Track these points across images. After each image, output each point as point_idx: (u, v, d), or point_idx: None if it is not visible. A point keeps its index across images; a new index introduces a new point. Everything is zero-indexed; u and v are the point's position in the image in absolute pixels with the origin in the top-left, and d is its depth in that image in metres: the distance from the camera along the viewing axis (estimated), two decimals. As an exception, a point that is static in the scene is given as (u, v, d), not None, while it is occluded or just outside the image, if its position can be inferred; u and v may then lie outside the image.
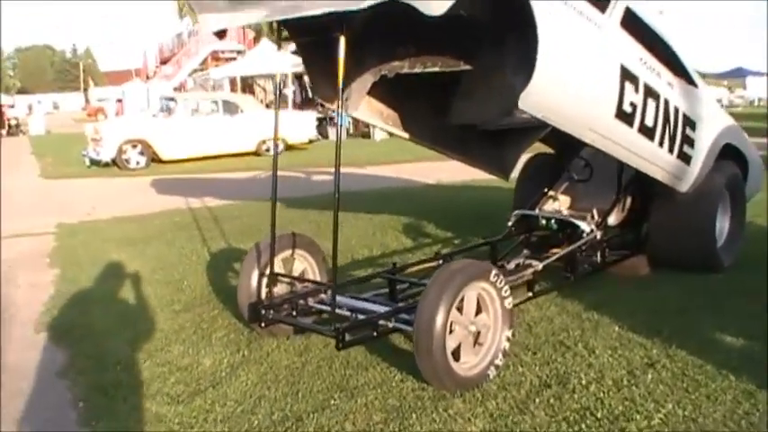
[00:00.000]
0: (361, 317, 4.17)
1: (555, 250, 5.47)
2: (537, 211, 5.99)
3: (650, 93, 4.78)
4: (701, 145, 5.53)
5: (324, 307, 4.47)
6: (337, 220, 4.07)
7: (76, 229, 9.13)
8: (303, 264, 5.00)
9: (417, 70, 4.84)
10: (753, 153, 6.66)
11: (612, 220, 5.97)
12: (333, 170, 4.06)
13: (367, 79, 5.06)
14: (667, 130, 5.06)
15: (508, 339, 4.01)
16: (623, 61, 4.49)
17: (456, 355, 3.82)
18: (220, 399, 3.86)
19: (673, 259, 5.91)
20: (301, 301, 4.56)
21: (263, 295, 4.56)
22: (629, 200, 6.01)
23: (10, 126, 34.45)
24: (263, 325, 4.45)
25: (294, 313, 4.49)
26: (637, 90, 4.63)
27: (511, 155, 5.99)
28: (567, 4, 4.04)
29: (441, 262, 5.32)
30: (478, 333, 3.94)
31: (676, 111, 5.11)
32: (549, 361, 4.16)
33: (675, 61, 5.60)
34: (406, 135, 5.66)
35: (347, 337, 3.95)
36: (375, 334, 4.05)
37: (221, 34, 5.47)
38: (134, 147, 16.11)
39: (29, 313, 5.57)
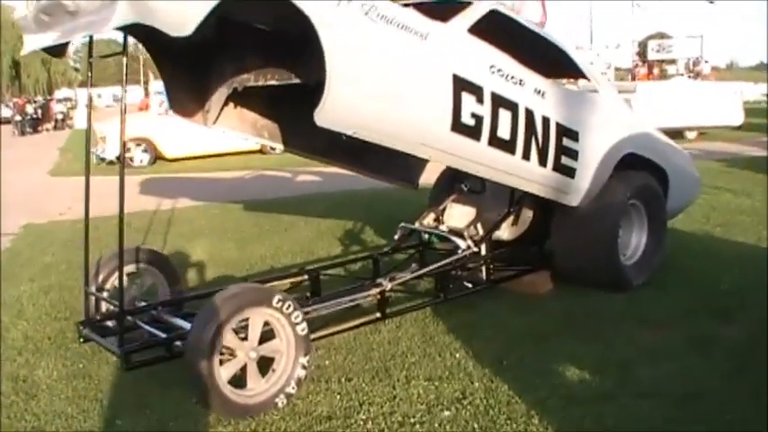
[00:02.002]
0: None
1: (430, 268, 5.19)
2: (417, 224, 5.71)
3: (502, 103, 4.47)
4: (589, 155, 5.17)
5: (147, 327, 4.32)
6: (123, 241, 3.86)
7: (37, 229, 9.24)
8: (152, 278, 4.87)
9: (260, 83, 4.64)
10: (677, 162, 6.23)
11: (506, 234, 5.67)
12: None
13: (222, 92, 4.91)
14: (534, 143, 4.73)
15: (304, 367, 3.80)
16: (458, 71, 4.20)
17: (241, 381, 3.64)
18: (25, 411, 3.83)
19: (576, 276, 5.61)
20: (129, 318, 4.41)
21: (92, 311, 4.45)
22: (526, 213, 5.68)
23: (56, 120, 35.54)
24: (81, 341, 4.34)
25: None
26: (480, 101, 4.33)
27: (416, 162, 5.71)
28: (369, 15, 3.76)
29: (306, 277, 5.14)
30: (272, 359, 3.75)
31: (546, 120, 4.78)
32: (354, 390, 3.94)
33: (565, 66, 5.27)
34: (289, 147, 5.44)
35: (135, 358, 3.82)
36: (169, 355, 3.89)
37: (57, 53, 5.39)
38: (138, 145, 16.31)
39: None
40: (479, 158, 4.51)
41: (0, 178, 13.15)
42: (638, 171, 5.68)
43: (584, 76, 5.64)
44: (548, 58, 5.39)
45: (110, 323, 4.39)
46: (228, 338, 3.58)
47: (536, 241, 5.79)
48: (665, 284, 5.67)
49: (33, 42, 3.97)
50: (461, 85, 4.20)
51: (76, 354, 4.60)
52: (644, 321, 4.91)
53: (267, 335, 3.76)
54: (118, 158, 16.16)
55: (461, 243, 5.26)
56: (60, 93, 52.90)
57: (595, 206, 5.35)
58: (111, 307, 4.48)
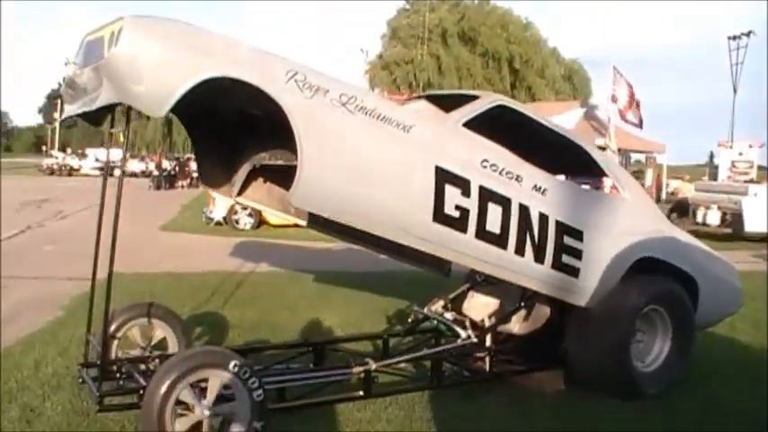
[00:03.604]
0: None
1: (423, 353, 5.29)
2: (426, 310, 5.81)
3: (492, 197, 4.59)
4: (596, 256, 5.14)
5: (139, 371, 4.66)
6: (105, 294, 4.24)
7: (118, 278, 9.92)
8: (163, 332, 5.24)
9: (272, 162, 5.01)
10: (712, 271, 6.03)
11: (517, 328, 5.66)
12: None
13: (245, 168, 5.31)
14: (529, 238, 4.79)
15: (256, 431, 3.99)
16: (443, 163, 4.38)
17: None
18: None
19: (587, 379, 5.50)
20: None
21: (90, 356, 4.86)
22: (541, 309, 5.65)
23: (192, 178, 37.87)
24: (80, 381, 4.74)
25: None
26: (466, 194, 4.47)
27: None
28: (347, 106, 4.05)
29: (310, 349, 5.36)
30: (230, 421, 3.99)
31: (543, 217, 4.83)
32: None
33: (585, 163, 5.33)
34: (312, 225, 5.67)
35: (106, 402, 4.21)
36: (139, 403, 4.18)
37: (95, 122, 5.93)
38: (244, 208, 17.19)
39: None
40: (466, 250, 4.62)
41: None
42: (660, 276, 5.55)
43: (604, 174, 5.63)
44: (565, 155, 5.46)
45: (114, 368, 4.74)
46: (185, 394, 3.84)
47: (551, 339, 5.70)
48: (680, 397, 5.46)
49: (66, 111, 4.51)
50: (445, 177, 4.37)
51: (87, 394, 4.96)
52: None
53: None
54: (225, 220, 17.12)
55: (462, 332, 5.34)
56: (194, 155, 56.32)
57: (607, 309, 5.27)
58: (121, 353, 4.88)
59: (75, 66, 4.18)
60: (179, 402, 3.87)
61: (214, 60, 3.75)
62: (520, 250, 4.78)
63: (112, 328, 4.94)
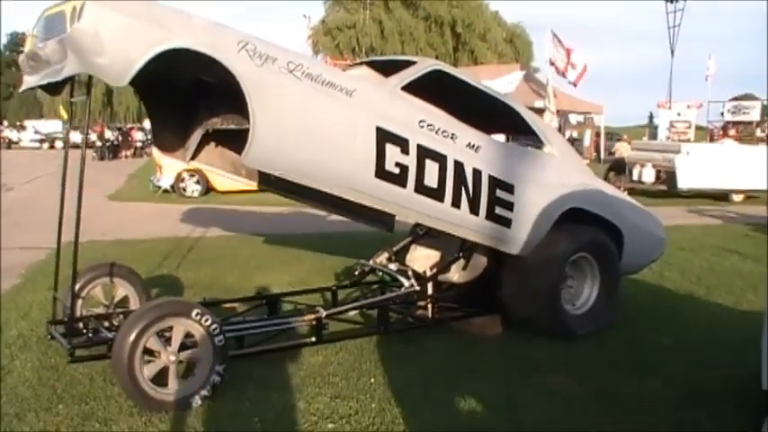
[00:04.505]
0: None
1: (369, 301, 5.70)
2: (371, 262, 6.22)
3: (429, 154, 4.98)
4: (526, 207, 5.58)
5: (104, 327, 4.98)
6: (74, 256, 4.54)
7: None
8: (125, 290, 5.55)
9: (224, 126, 5.31)
10: (637, 221, 6.56)
11: (457, 277, 6.09)
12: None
13: (198, 133, 5.59)
14: (464, 192, 5.21)
15: (219, 374, 4.36)
16: (383, 124, 4.75)
17: (163, 379, 4.26)
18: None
19: (521, 321, 5.98)
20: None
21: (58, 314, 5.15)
22: (479, 259, 6.09)
23: (135, 148, 37.66)
24: (49, 337, 5.01)
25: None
26: (405, 151, 4.86)
27: None
28: (294, 73, 4.39)
29: (264, 302, 5.74)
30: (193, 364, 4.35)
31: (477, 172, 5.25)
32: (263, 398, 4.48)
33: (515, 122, 5.76)
34: (263, 186, 6.01)
35: (77, 353, 4.53)
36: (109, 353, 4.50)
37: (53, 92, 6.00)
38: (191, 176, 17.34)
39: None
40: (406, 203, 5.03)
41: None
42: (588, 226, 6.03)
43: (532, 132, 6.07)
44: (498, 116, 5.89)
45: (80, 325, 5.04)
46: (152, 342, 4.19)
47: (489, 286, 6.14)
48: (608, 336, 5.98)
49: (26, 83, 4.74)
50: (385, 136, 4.75)
51: (55, 351, 5.26)
52: (563, 370, 5.24)
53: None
54: (173, 187, 17.24)
55: (405, 282, 5.76)
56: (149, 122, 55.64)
57: (539, 256, 5.74)
58: (85, 311, 5.18)
59: (35, 39, 4.41)
60: (146, 351, 4.21)
61: (171, 33, 4.04)
62: (456, 203, 5.20)
63: (77, 287, 5.19)
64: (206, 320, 4.31)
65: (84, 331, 4.91)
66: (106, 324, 5.04)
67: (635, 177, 19.90)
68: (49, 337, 5.00)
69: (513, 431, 4.17)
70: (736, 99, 46.87)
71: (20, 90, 5.18)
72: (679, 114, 39.31)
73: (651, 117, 59.21)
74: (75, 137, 47.47)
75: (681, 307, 7.22)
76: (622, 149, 23.93)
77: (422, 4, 55.63)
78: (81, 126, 4.80)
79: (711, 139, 35.11)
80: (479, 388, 4.76)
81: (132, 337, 4.09)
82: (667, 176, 19.05)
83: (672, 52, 42.94)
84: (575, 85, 27.50)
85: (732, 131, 40.29)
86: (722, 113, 43.72)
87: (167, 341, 4.30)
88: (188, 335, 4.35)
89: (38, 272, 8.39)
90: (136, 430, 4.03)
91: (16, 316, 6.36)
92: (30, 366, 5.06)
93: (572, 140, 37.50)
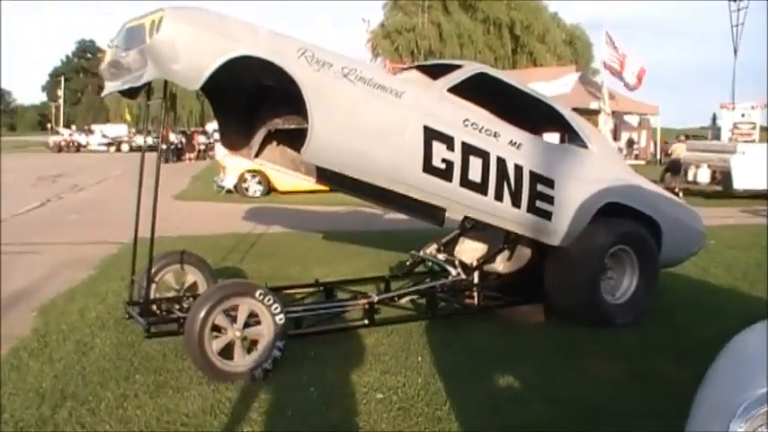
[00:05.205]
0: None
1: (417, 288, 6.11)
2: (421, 253, 6.62)
3: (473, 151, 5.37)
4: (566, 201, 5.90)
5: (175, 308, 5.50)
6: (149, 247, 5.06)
7: (143, 242, 10.76)
8: (194, 277, 6.07)
9: (284, 126, 5.79)
10: (675, 215, 6.81)
11: (502, 267, 6.45)
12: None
13: (261, 132, 6.09)
14: (506, 186, 5.57)
15: (279, 349, 4.82)
16: (430, 123, 5.16)
17: (229, 353, 4.73)
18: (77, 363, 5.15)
19: (563, 310, 6.30)
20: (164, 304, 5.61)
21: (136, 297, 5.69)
22: (523, 251, 6.44)
23: (199, 151, 38.86)
24: (126, 317, 5.56)
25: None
26: (451, 148, 5.26)
27: None
28: (348, 77, 4.83)
29: (321, 289, 6.20)
30: (256, 340, 4.83)
31: (518, 168, 5.61)
32: (321, 371, 4.92)
33: (556, 122, 6.10)
34: (321, 181, 6.46)
35: (152, 330, 5.05)
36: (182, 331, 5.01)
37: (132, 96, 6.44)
38: (253, 176, 18.02)
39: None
40: (452, 196, 5.42)
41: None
42: (626, 220, 6.33)
43: (573, 131, 6.39)
44: (542, 115, 6.24)
45: (154, 306, 5.56)
46: (219, 319, 4.67)
47: (532, 276, 6.47)
48: (649, 326, 6.26)
49: (107, 88, 5.31)
50: (432, 134, 5.16)
51: (130, 330, 5.81)
52: (602, 355, 5.54)
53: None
54: (236, 188, 17.94)
55: (452, 270, 6.15)
56: (212, 125, 57.13)
57: (579, 248, 6.06)
58: (158, 295, 5.71)
59: (117, 49, 4.96)
60: (214, 327, 4.70)
61: (238, 42, 4.53)
62: (499, 196, 5.56)
63: (152, 272, 5.74)
64: (268, 300, 4.77)
65: (158, 312, 5.43)
66: (177, 306, 5.55)
67: (690, 178, 19.82)
68: (127, 316, 5.54)
69: (548, 405, 4.49)
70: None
71: (102, 95, 5.76)
72: (743, 115, 38.51)
73: (714, 118, 58.04)
74: (140, 140, 49.40)
75: (722, 300, 7.41)
76: (678, 150, 23.76)
77: (480, 6, 55.73)
78: (153, 128, 5.32)
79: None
80: (519, 368, 5.10)
81: (202, 314, 4.58)
82: (723, 177, 18.94)
83: (735, 51, 42.22)
84: (635, 88, 27.37)
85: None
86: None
87: (233, 319, 4.77)
88: (252, 314, 4.81)
89: (110, 264, 9.05)
90: (205, 396, 4.50)
91: (94, 302, 6.95)
92: (109, 343, 5.61)
93: (630, 142, 37.39)
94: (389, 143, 5.07)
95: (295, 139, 5.90)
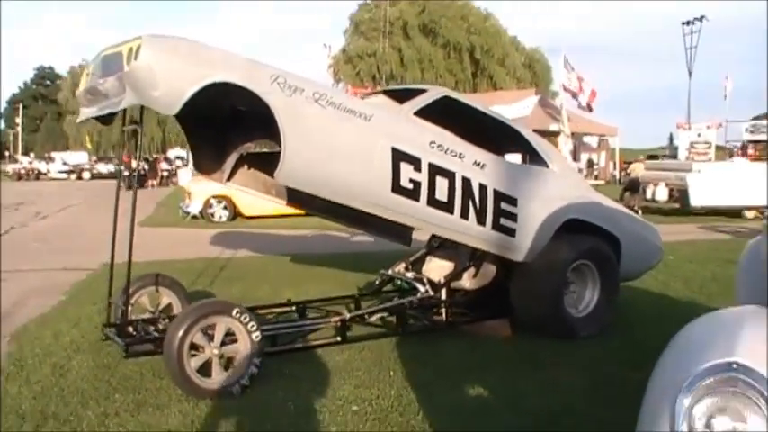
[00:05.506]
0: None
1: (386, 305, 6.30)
2: (390, 271, 6.83)
3: (439, 171, 5.60)
4: (529, 218, 6.15)
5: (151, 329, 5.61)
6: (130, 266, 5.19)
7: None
8: (169, 298, 6.19)
9: (256, 150, 5.97)
10: (634, 230, 7.11)
11: (468, 284, 6.67)
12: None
13: (233, 157, 6.27)
14: (471, 205, 5.80)
15: (256, 366, 4.96)
16: (398, 145, 5.38)
17: (207, 370, 4.87)
18: (54, 385, 5.23)
19: (529, 323, 6.53)
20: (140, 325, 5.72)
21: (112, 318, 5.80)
22: (488, 267, 6.67)
23: (162, 177, 38.81)
24: (103, 338, 5.67)
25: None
26: (418, 169, 5.48)
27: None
28: (319, 102, 5.04)
29: (293, 308, 6.36)
30: (232, 357, 4.96)
31: (483, 187, 5.85)
32: (292, 387, 5.07)
33: (518, 143, 6.38)
34: (292, 204, 6.67)
35: (131, 350, 5.18)
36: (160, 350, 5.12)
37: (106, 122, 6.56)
38: (219, 202, 18.10)
39: None
40: (420, 215, 5.64)
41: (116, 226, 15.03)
42: (588, 236, 6.60)
43: (534, 152, 6.67)
44: (505, 137, 6.51)
45: (130, 328, 5.67)
46: (197, 337, 4.81)
47: (498, 292, 6.70)
48: (609, 337, 6.50)
49: (83, 114, 5.45)
50: (400, 156, 5.38)
51: (106, 353, 5.89)
52: (565, 365, 5.76)
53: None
54: (201, 213, 17.99)
55: (421, 287, 6.36)
56: (173, 152, 57.00)
57: (542, 263, 6.31)
58: (134, 317, 5.82)
59: (93, 76, 5.11)
60: (192, 346, 4.83)
61: (215, 69, 4.72)
62: (464, 215, 5.79)
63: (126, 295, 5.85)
64: (245, 318, 4.92)
65: (135, 333, 5.55)
66: (152, 327, 5.67)
67: (648, 196, 20.37)
68: (104, 337, 5.64)
69: (514, 413, 4.69)
70: (757, 118, 47.09)
71: (77, 120, 5.89)
72: (699, 135, 39.65)
73: (671, 138, 59.45)
74: (102, 168, 49.17)
75: (680, 312, 7.70)
76: (637, 169, 24.41)
77: (440, 32, 56.68)
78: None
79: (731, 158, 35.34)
80: (487, 379, 5.31)
81: (181, 332, 4.71)
82: (680, 195, 19.51)
83: (690, 73, 43.48)
84: (589, 109, 28.10)
85: (751, 150, 40.50)
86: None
87: (210, 337, 4.91)
88: (228, 332, 4.95)
89: (81, 290, 9.09)
90: (186, 412, 4.62)
91: (67, 326, 6.99)
92: (85, 366, 5.67)
93: (590, 162, 38.17)
94: (359, 165, 5.27)
95: (266, 162, 6.09)
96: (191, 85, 4.59)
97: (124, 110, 5.20)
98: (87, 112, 5.40)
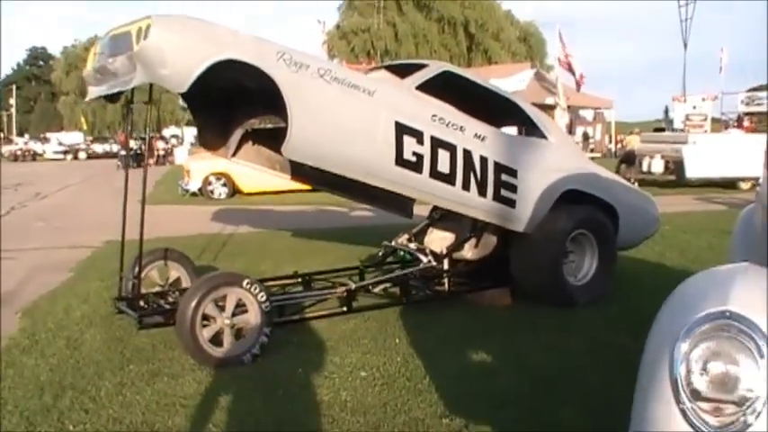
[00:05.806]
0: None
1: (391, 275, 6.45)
2: (393, 243, 6.97)
3: (441, 144, 5.73)
4: (528, 189, 6.28)
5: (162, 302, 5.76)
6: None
7: (115, 244, 10.88)
8: (177, 272, 6.33)
9: (261, 126, 6.09)
10: (630, 200, 7.26)
11: (470, 254, 6.82)
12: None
13: (238, 132, 6.38)
14: (473, 176, 5.94)
15: (266, 335, 5.12)
16: (400, 119, 5.50)
17: (219, 340, 5.02)
18: (69, 357, 5.38)
19: (529, 292, 6.69)
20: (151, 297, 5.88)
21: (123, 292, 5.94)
22: (489, 238, 6.82)
23: (158, 156, 38.80)
24: (115, 312, 5.82)
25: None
26: (420, 142, 5.61)
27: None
28: (324, 77, 5.15)
29: (299, 280, 6.51)
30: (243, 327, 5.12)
31: (484, 159, 5.98)
32: (303, 354, 5.23)
33: (517, 116, 6.50)
34: (296, 178, 6.81)
35: (144, 321, 5.34)
36: (171, 321, 5.27)
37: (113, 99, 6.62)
38: (218, 179, 18.21)
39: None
40: (423, 187, 5.78)
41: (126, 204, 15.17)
42: (586, 206, 6.75)
43: (533, 124, 6.79)
44: (504, 110, 6.63)
45: (141, 302, 5.82)
46: (209, 308, 4.96)
47: (499, 262, 6.85)
48: (606, 305, 6.66)
49: (92, 93, 5.55)
50: (402, 129, 5.50)
51: (117, 326, 6.05)
52: (565, 330, 5.93)
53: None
54: (200, 191, 18.10)
55: (423, 258, 6.50)
56: (168, 131, 56.91)
57: (541, 233, 6.45)
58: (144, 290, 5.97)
59: (101, 56, 5.22)
60: (204, 317, 4.98)
61: (223, 47, 4.82)
62: (466, 186, 5.93)
63: (136, 270, 5.99)
64: (255, 289, 5.07)
65: (146, 306, 5.70)
66: (162, 300, 5.82)
67: (644, 168, 20.50)
68: (117, 311, 5.79)
69: (515, 375, 4.87)
70: (753, 90, 47.11)
71: (86, 99, 6.00)
72: (694, 107, 39.64)
73: (667, 111, 59.44)
74: (97, 147, 49.07)
75: (675, 281, 7.85)
76: (633, 142, 24.51)
77: (435, 6, 56.38)
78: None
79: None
80: (489, 345, 5.48)
81: (193, 304, 4.86)
82: (675, 167, 19.64)
83: (685, 45, 43.45)
84: (577, 89, 28.14)
85: (746, 122, 40.59)
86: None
87: (222, 308, 5.06)
88: (239, 303, 5.10)
89: (87, 267, 9.25)
90: (200, 380, 4.78)
91: (77, 302, 7.14)
92: (98, 338, 5.83)
93: (586, 135, 38.27)
94: (363, 138, 5.40)
95: (271, 138, 6.21)
96: (200, 63, 4.70)
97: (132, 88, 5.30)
98: (96, 90, 5.50)
